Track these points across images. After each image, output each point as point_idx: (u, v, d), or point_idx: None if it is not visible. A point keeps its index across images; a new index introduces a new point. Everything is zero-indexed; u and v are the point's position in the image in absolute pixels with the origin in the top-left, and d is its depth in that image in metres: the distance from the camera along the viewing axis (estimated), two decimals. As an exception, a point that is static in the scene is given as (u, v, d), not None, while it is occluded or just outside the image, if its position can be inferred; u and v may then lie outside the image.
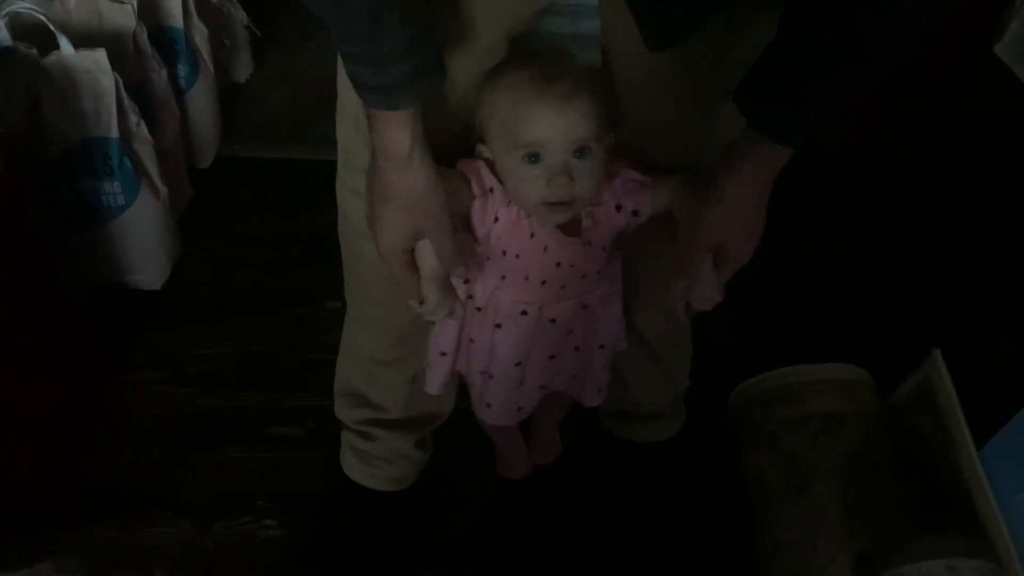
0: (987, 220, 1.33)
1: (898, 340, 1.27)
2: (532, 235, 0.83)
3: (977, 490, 1.02)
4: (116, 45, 1.28)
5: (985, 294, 1.26)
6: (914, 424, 1.14)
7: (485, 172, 0.81)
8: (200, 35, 1.51)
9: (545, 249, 0.83)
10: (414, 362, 1.02)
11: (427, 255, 0.79)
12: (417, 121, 0.71)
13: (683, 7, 0.69)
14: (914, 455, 1.14)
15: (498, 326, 0.89)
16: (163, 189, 1.35)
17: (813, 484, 1.10)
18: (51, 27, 1.19)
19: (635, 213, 0.85)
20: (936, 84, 1.46)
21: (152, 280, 1.40)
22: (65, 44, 1.19)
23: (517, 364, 0.91)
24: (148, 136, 1.31)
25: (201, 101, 1.54)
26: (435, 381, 0.97)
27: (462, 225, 0.82)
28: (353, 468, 1.13)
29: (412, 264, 0.80)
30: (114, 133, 1.24)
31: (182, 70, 1.49)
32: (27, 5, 1.21)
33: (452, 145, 0.80)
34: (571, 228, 0.83)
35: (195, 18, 1.49)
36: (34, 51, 1.19)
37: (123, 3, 1.31)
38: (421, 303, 0.82)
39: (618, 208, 0.84)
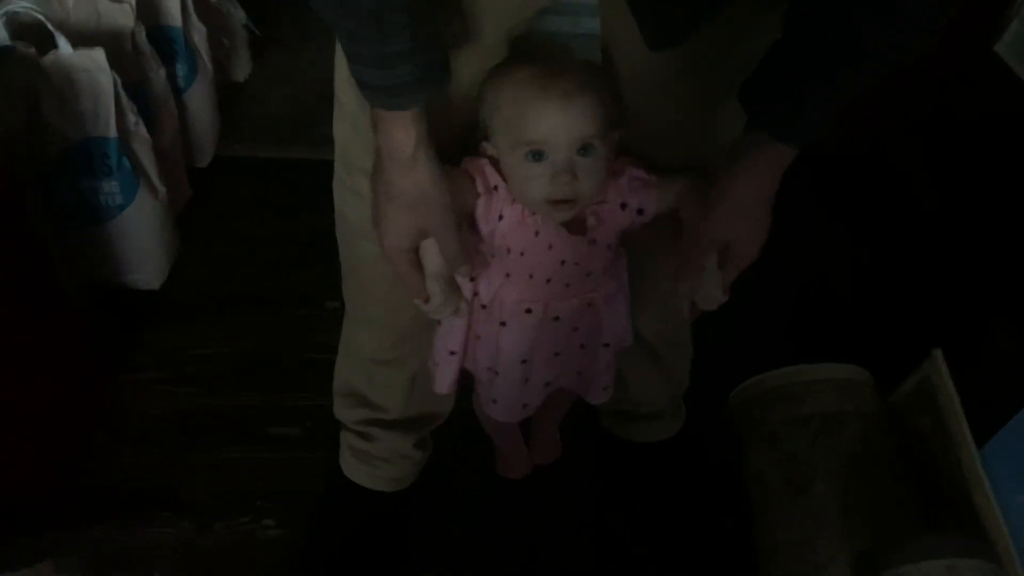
0: (987, 220, 1.33)
1: (898, 340, 1.27)
2: (536, 233, 0.82)
3: (977, 490, 1.02)
4: (114, 44, 1.28)
5: (985, 294, 1.26)
6: (914, 424, 1.14)
7: (489, 170, 0.81)
8: (199, 34, 1.51)
9: (550, 247, 0.83)
10: (413, 362, 1.02)
11: (432, 253, 0.79)
12: (422, 121, 0.70)
13: (683, 7, 0.69)
14: (914, 455, 1.14)
15: (503, 324, 0.89)
16: (161, 189, 1.35)
17: (813, 484, 1.10)
18: (49, 26, 1.19)
19: (640, 212, 0.85)
20: (936, 84, 1.46)
21: (151, 280, 1.40)
22: (63, 43, 1.19)
23: (523, 362, 0.92)
24: (147, 136, 1.31)
25: (200, 100, 1.54)
26: (445, 380, 0.96)
27: (467, 223, 0.82)
28: (352, 468, 1.13)
29: (417, 263, 0.80)
30: (112, 133, 1.24)
31: (181, 69, 1.49)
32: (25, 4, 1.20)
33: (453, 144, 0.80)
34: (576, 226, 0.83)
35: (194, 17, 1.49)
36: (32, 50, 1.19)
37: (121, 2, 1.31)
38: (426, 301, 0.82)
39: (623, 206, 0.84)
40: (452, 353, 0.93)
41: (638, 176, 0.84)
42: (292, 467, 1.22)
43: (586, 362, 0.96)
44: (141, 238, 1.35)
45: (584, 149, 0.77)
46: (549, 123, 0.76)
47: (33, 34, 1.21)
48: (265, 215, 1.55)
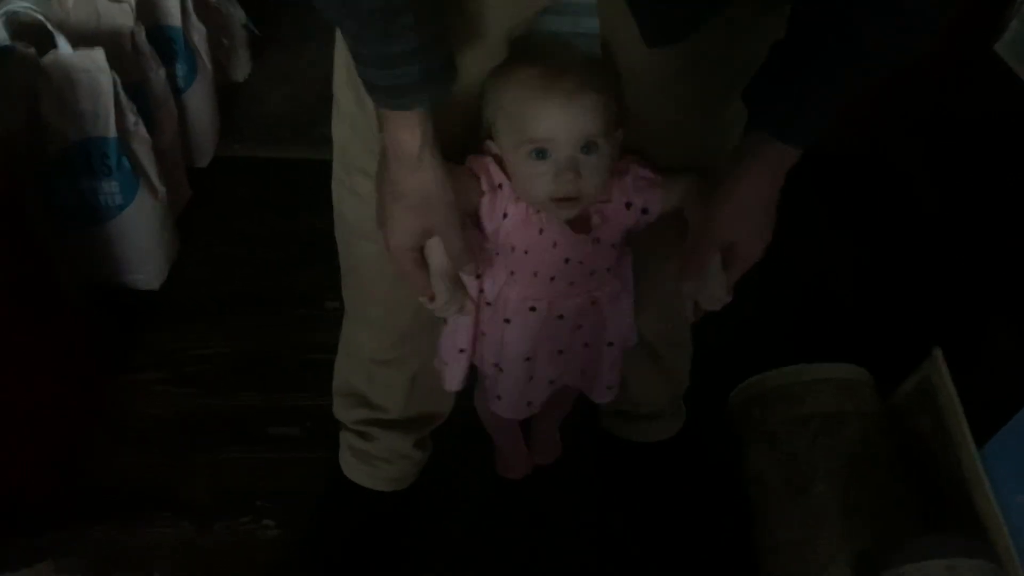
0: (987, 220, 1.33)
1: (898, 340, 1.27)
2: (541, 231, 0.83)
3: (977, 490, 1.02)
4: (114, 44, 1.27)
5: (985, 294, 1.26)
6: (914, 424, 1.15)
7: (494, 168, 0.81)
8: (198, 34, 1.50)
9: (554, 245, 0.83)
10: (413, 362, 1.02)
11: (437, 252, 0.79)
12: (427, 121, 0.70)
13: (683, 8, 0.69)
14: (914, 455, 1.14)
15: (507, 321, 0.89)
16: (161, 189, 1.35)
17: (813, 484, 1.10)
18: (49, 26, 1.19)
19: (644, 211, 0.85)
20: (936, 84, 1.46)
21: (150, 280, 1.40)
22: (63, 43, 1.19)
23: (527, 359, 0.92)
24: (146, 135, 1.31)
25: (199, 100, 1.54)
26: (455, 378, 0.96)
27: (471, 221, 0.82)
28: (352, 468, 1.13)
29: (422, 262, 0.80)
30: (112, 133, 1.24)
31: (180, 69, 1.49)
32: (25, 4, 1.20)
33: (456, 142, 0.80)
34: (580, 225, 0.83)
35: (193, 17, 1.49)
36: (32, 50, 1.19)
37: (121, 2, 1.30)
38: (431, 300, 0.82)
39: (628, 205, 0.84)
40: (461, 351, 0.93)
41: (643, 175, 0.84)
42: (292, 467, 1.22)
43: (590, 360, 0.96)
44: (141, 238, 1.35)
45: (587, 147, 0.77)
46: (552, 121, 0.76)
47: (33, 34, 1.21)
48: (265, 215, 1.55)
